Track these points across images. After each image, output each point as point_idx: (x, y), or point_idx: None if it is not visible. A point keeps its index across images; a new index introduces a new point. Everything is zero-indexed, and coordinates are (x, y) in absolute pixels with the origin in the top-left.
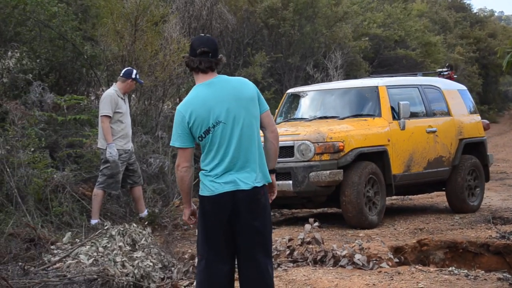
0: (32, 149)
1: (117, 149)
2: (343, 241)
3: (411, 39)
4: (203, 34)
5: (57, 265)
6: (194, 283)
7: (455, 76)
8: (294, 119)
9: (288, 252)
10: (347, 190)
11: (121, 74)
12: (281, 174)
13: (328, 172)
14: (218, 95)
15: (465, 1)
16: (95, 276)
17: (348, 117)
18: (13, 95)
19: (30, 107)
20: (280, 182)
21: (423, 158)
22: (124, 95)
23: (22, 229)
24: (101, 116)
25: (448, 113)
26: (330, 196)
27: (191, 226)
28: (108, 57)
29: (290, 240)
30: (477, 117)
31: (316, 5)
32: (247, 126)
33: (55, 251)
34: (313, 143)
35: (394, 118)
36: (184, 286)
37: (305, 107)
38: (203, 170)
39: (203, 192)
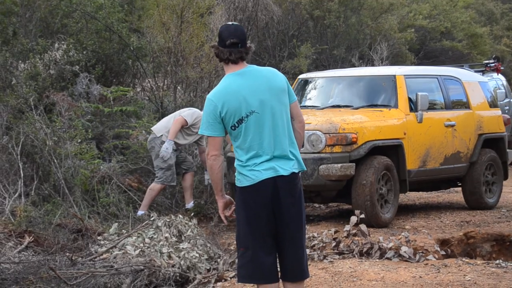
0: (79, 140)
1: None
2: (389, 233)
3: (457, 30)
4: (230, 23)
5: (104, 255)
6: (237, 276)
7: (502, 68)
8: (305, 106)
9: (334, 244)
10: (358, 185)
11: None
12: None
13: (339, 165)
14: (250, 84)
15: None
16: (142, 267)
17: (362, 107)
18: (60, 86)
19: (77, 98)
20: None
21: (440, 153)
22: None
23: (70, 219)
24: (181, 116)
25: (467, 106)
26: (341, 191)
27: (226, 221)
28: (154, 49)
29: (336, 232)
30: (497, 112)
31: None
32: (280, 115)
33: (102, 242)
34: (324, 133)
35: (411, 109)
36: (230, 278)
37: (317, 95)
38: (239, 161)
39: (242, 183)
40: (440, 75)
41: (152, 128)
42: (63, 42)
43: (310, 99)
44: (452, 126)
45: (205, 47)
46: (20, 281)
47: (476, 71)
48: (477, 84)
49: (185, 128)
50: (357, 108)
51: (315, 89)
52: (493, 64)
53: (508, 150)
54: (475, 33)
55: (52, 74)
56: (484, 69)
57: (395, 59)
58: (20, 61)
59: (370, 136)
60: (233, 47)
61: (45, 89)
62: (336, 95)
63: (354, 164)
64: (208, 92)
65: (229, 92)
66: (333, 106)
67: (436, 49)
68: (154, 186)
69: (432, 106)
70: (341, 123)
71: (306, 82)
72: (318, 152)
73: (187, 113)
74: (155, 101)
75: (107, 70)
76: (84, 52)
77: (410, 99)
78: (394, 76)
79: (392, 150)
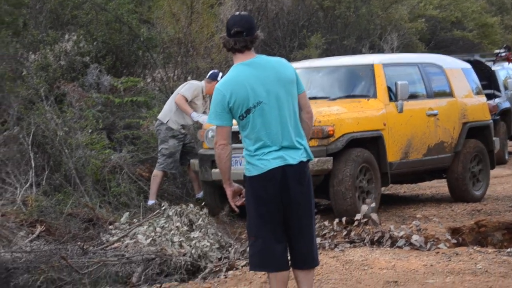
0: (90, 131)
1: (174, 128)
2: (400, 222)
3: (467, 20)
4: (237, 13)
5: (115, 244)
6: (249, 265)
7: None
8: None
9: (345, 232)
10: (337, 180)
11: (207, 76)
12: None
13: (315, 159)
14: (258, 75)
15: None
16: (153, 256)
17: (339, 97)
18: (71, 77)
19: (88, 89)
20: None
21: (422, 143)
22: (206, 96)
23: (81, 209)
24: (179, 94)
25: (450, 94)
26: (318, 187)
27: (237, 210)
28: (164, 40)
29: (347, 221)
30: (482, 99)
31: None
32: (287, 106)
33: (113, 231)
34: None
35: (391, 99)
36: (241, 266)
37: None
38: (248, 150)
39: (251, 172)
40: (420, 63)
41: (158, 117)
42: (73, 33)
43: None
44: (435, 115)
45: (215, 38)
46: (31, 270)
47: (487, 61)
48: (460, 71)
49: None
50: (334, 99)
51: None
52: (504, 54)
53: (494, 138)
54: (486, 22)
55: (63, 65)
56: (495, 58)
57: (406, 49)
58: (31, 52)
59: (348, 128)
60: (238, 36)
61: (56, 80)
62: (313, 86)
63: (331, 158)
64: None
65: (237, 82)
66: (310, 98)
67: (446, 38)
68: (156, 173)
69: (413, 95)
70: (316, 115)
71: None
72: None
73: (185, 89)
74: (165, 92)
75: (118, 61)
76: (95, 43)
77: (389, 89)
78: (372, 65)
79: (372, 142)
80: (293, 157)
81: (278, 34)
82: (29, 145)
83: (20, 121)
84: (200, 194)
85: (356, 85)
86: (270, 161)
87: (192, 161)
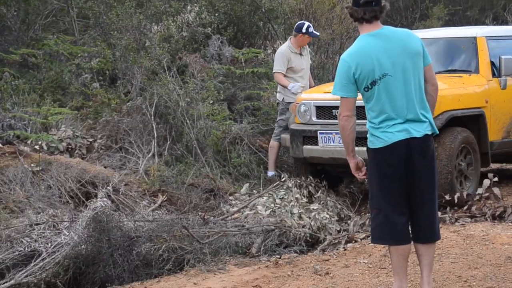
0: (211, 102)
1: (292, 102)
2: None
3: None
4: None
5: (236, 215)
6: (370, 237)
7: None
8: None
9: (466, 207)
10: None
11: (294, 29)
12: (361, 139)
13: None
14: (385, 46)
15: None
16: (273, 227)
17: (439, 72)
18: (193, 48)
19: (209, 60)
20: (359, 148)
21: None
22: (301, 49)
23: (202, 179)
24: (276, 72)
25: None
26: None
27: (361, 179)
28: (286, 11)
29: (467, 195)
30: None
31: None
32: (414, 78)
33: (233, 202)
34: None
35: (493, 75)
36: (361, 239)
37: None
38: (371, 123)
39: (375, 144)
40: None
41: (276, 99)
42: (195, 4)
43: None
44: None
45: (337, 9)
46: (154, 238)
47: None
48: None
49: (287, 74)
50: None
51: None
52: None
53: None
54: None
55: (185, 36)
56: None
57: None
58: (154, 23)
59: (448, 105)
60: (367, 6)
61: (178, 51)
62: None
63: None
64: (340, 54)
65: (363, 53)
66: None
67: None
68: (272, 143)
69: None
70: None
71: None
72: None
73: (275, 65)
74: None
75: (239, 32)
76: (216, 14)
77: (492, 63)
78: (475, 37)
79: (472, 120)
80: (418, 130)
81: (400, 5)
82: (152, 116)
83: (143, 92)
84: (270, 173)
85: (457, 59)
86: (394, 134)
87: (283, 136)
